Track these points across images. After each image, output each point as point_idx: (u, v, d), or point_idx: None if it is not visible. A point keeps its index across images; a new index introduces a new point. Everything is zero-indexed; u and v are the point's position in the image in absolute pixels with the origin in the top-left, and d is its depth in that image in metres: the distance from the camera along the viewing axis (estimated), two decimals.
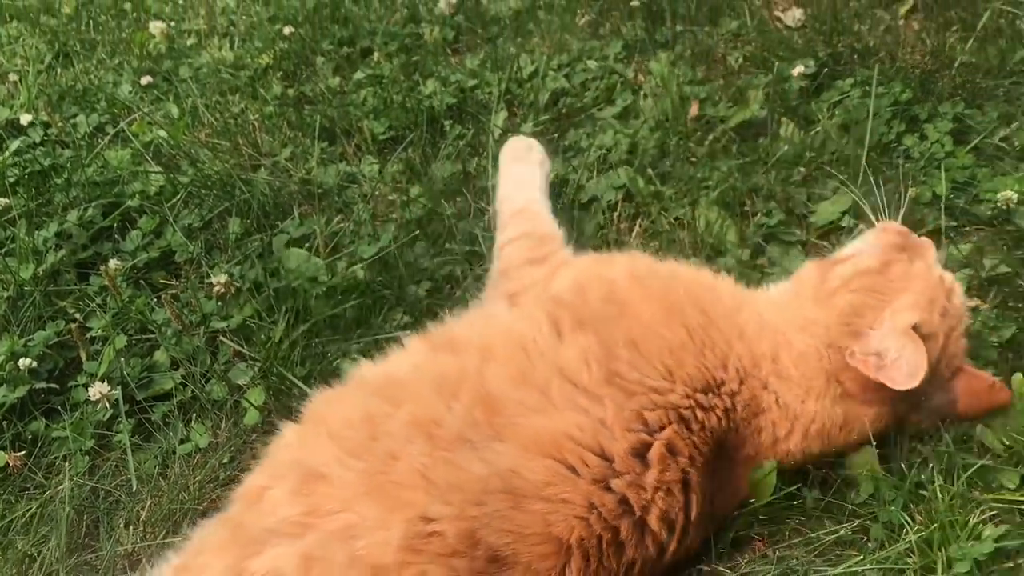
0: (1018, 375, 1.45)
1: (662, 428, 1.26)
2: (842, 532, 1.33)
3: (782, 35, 2.46)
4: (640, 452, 1.24)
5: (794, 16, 2.59)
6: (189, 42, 2.80)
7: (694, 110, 2.20)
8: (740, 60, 2.41)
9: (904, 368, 1.27)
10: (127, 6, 3.06)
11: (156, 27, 2.73)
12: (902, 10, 2.58)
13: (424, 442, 1.20)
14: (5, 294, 1.84)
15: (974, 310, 1.63)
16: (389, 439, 1.22)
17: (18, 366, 1.67)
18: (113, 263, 1.89)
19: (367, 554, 1.12)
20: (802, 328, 1.37)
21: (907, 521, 1.29)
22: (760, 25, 2.54)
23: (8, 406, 1.64)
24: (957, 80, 2.22)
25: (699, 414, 1.29)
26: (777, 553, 1.34)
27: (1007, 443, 1.39)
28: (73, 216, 2.02)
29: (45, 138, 2.38)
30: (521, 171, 1.84)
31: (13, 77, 2.71)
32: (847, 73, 2.24)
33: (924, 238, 1.50)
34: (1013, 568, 1.22)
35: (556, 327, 1.36)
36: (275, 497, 1.21)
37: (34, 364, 1.69)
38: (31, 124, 2.37)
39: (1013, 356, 1.55)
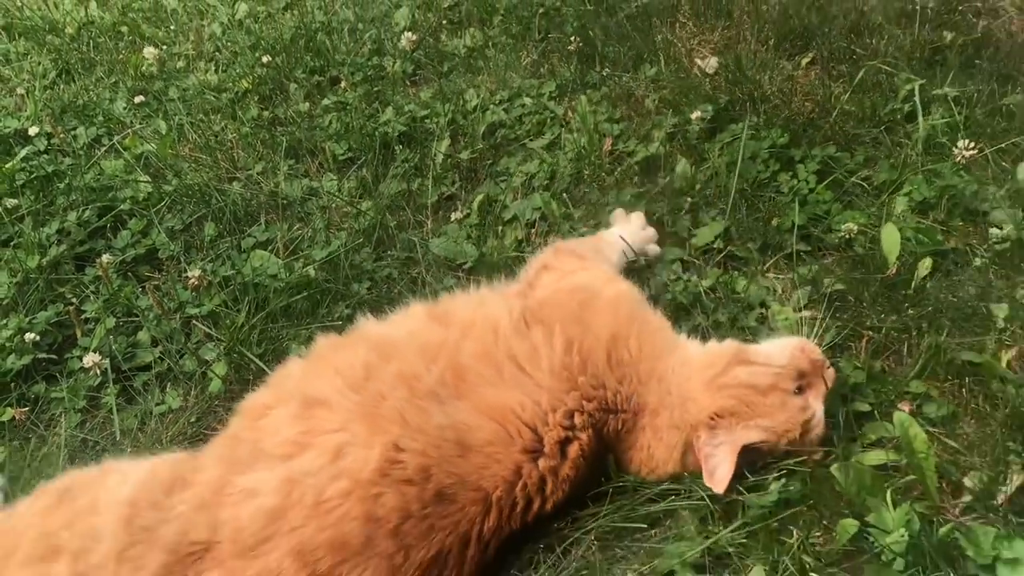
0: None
1: (582, 430, 1.61)
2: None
3: (693, 82, 2.84)
4: (563, 446, 1.59)
5: (711, 64, 2.97)
6: (178, 65, 3.16)
7: (608, 145, 2.57)
8: (656, 103, 2.78)
9: (715, 476, 1.57)
10: (124, 29, 3.41)
11: (149, 52, 3.10)
12: (803, 62, 2.97)
13: (405, 390, 1.54)
14: (13, 280, 2.18)
15: (810, 320, 2.01)
16: (380, 383, 1.55)
17: (24, 339, 2.03)
18: (106, 257, 2.24)
19: (350, 467, 1.44)
20: (687, 399, 1.66)
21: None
22: (678, 72, 2.92)
23: (15, 371, 1.99)
24: (836, 126, 2.60)
25: (604, 427, 1.64)
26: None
27: None
28: (72, 216, 2.38)
29: (49, 147, 2.73)
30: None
31: (20, 91, 3.06)
32: (740, 118, 2.62)
33: (831, 370, 1.75)
34: (794, 514, 1.59)
35: (524, 319, 1.69)
36: (278, 417, 1.54)
37: (37, 338, 2.04)
38: (37, 135, 2.72)
39: (834, 353, 1.92)
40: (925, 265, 2.07)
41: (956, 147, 2.34)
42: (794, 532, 1.55)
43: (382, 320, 1.78)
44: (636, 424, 1.68)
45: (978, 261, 2.13)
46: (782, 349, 1.73)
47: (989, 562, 1.53)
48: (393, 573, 1.42)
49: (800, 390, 1.69)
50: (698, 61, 3.00)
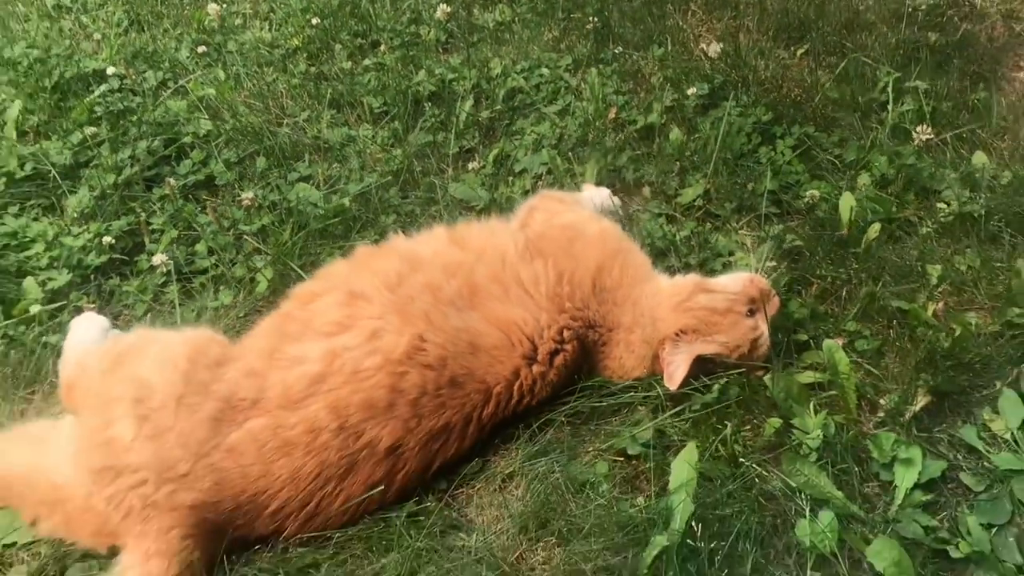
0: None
1: (569, 343, 1.96)
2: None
3: (695, 63, 3.17)
4: (553, 356, 1.94)
5: (715, 49, 3.29)
6: (237, 22, 3.52)
7: (612, 113, 2.91)
8: (660, 80, 3.11)
9: (672, 377, 1.91)
10: None
11: (212, 8, 3.46)
12: (798, 52, 3.29)
13: (430, 297, 1.88)
14: (93, 194, 2.55)
15: (773, 271, 2.34)
16: (409, 288, 1.89)
17: (102, 242, 2.40)
18: (170, 180, 2.60)
19: (384, 347, 1.79)
20: (657, 319, 2.00)
21: None
22: (683, 54, 3.25)
23: (94, 267, 2.36)
24: (817, 109, 2.92)
25: (586, 341, 1.99)
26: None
27: None
28: (142, 145, 2.74)
29: (122, 86, 3.09)
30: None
31: (97, 36, 3.43)
32: (733, 97, 2.95)
33: (776, 299, 2.07)
34: (730, 411, 1.93)
35: (528, 250, 2.04)
36: (325, 303, 1.88)
37: (112, 241, 2.41)
38: (113, 75, 3.08)
39: (788, 293, 2.25)
40: (875, 229, 2.39)
41: (915, 131, 2.66)
42: (728, 426, 1.89)
43: (410, 237, 2.13)
44: (612, 339, 2.03)
45: (924, 229, 2.45)
46: (736, 280, 2.07)
47: (888, 461, 1.87)
48: (406, 434, 1.78)
49: (751, 313, 2.03)
50: (703, 45, 3.32)
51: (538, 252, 2.04)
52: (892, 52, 3.13)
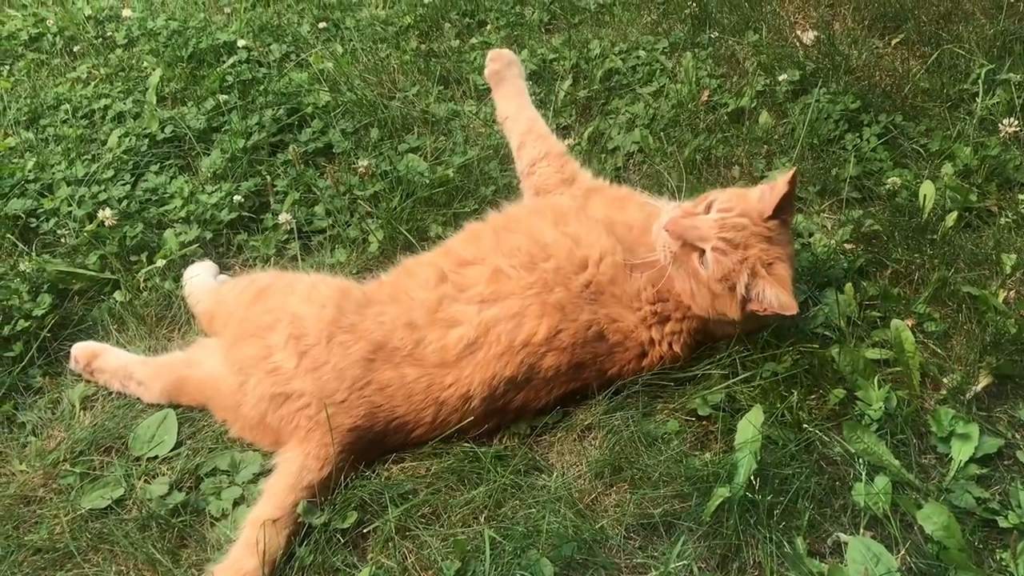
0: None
1: (674, 343, 2.10)
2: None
3: (788, 50, 3.26)
4: (661, 355, 2.11)
5: (810, 36, 3.39)
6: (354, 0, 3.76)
7: (705, 96, 3.04)
8: (754, 65, 3.23)
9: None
10: None
11: None
12: (893, 41, 3.35)
13: (563, 289, 2.05)
14: (225, 156, 2.82)
15: (852, 251, 2.46)
16: (544, 274, 2.07)
17: (232, 200, 2.67)
18: (293, 147, 2.86)
19: (527, 330, 2.00)
20: None
21: None
22: (778, 39, 3.35)
23: (225, 222, 2.63)
24: (907, 99, 3.00)
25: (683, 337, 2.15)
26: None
27: None
28: (268, 114, 3.00)
29: (249, 58, 3.36)
30: (511, 89, 2.57)
31: (227, 10, 3.72)
32: (823, 84, 3.04)
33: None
34: (797, 380, 2.08)
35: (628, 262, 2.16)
36: (476, 272, 2.09)
37: (241, 199, 2.67)
38: (243, 47, 3.36)
39: (858, 277, 2.38)
40: (952, 217, 2.49)
41: (1002, 124, 2.73)
42: (795, 393, 2.04)
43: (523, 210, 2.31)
44: None
45: (1003, 220, 2.53)
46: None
47: (946, 435, 2.00)
48: (536, 399, 2.05)
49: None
50: (798, 32, 3.41)
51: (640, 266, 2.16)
52: (988, 43, 3.17)
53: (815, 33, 3.37)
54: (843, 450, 1.97)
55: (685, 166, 2.74)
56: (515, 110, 2.55)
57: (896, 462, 1.94)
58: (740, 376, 2.09)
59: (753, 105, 2.98)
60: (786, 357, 2.12)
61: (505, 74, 2.62)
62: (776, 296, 1.95)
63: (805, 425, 2.00)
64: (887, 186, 2.63)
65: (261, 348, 2.01)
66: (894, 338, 2.14)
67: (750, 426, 1.93)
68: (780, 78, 3.02)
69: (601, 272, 2.10)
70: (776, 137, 2.85)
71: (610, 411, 2.07)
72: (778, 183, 2.04)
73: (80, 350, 2.24)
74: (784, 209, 2.04)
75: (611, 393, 2.11)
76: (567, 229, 2.17)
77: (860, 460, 1.94)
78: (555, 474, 1.96)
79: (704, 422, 2.06)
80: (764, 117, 2.90)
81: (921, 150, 2.81)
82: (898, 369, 2.13)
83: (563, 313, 2.04)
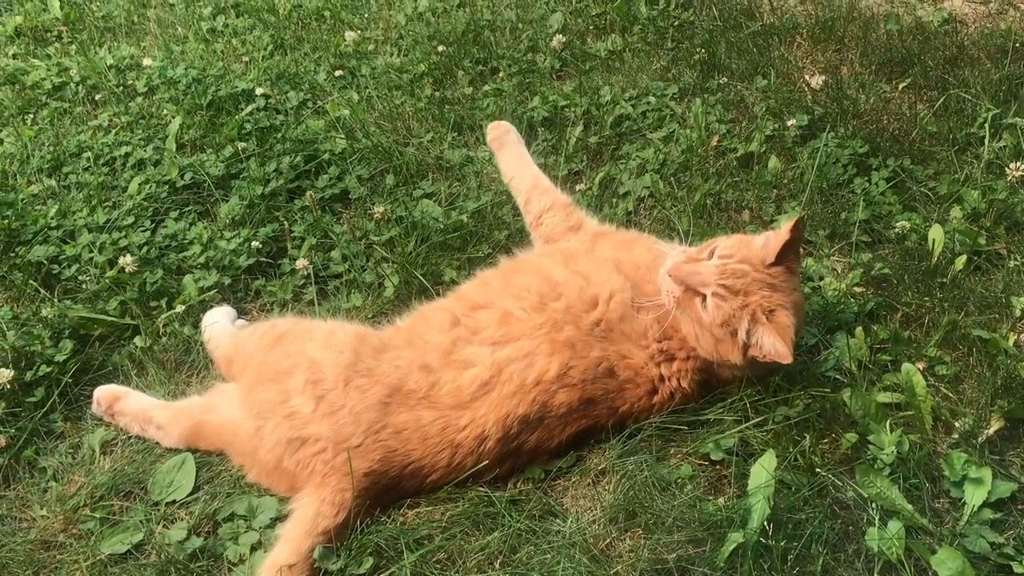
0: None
1: (683, 380, 2.14)
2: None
3: (797, 95, 3.31)
4: (671, 392, 2.14)
5: (818, 81, 3.44)
6: (370, 47, 3.83)
7: (715, 141, 3.09)
8: (763, 110, 3.27)
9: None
10: (326, 13, 4.12)
11: (349, 35, 3.79)
12: (900, 86, 3.39)
13: (573, 328, 2.09)
14: (243, 203, 2.88)
15: (862, 295, 2.49)
16: (553, 313, 2.11)
17: (250, 245, 2.72)
18: (310, 193, 2.91)
19: (539, 370, 2.04)
20: None
21: None
22: (786, 84, 3.40)
23: (243, 268, 2.68)
24: (915, 143, 3.04)
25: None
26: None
27: None
28: (286, 160, 3.06)
29: (267, 105, 3.43)
30: (512, 152, 2.70)
31: (245, 59, 3.80)
32: (832, 128, 3.09)
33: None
34: (810, 425, 2.09)
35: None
36: (487, 316, 2.14)
37: (259, 245, 2.72)
38: (260, 95, 3.43)
39: (868, 320, 2.40)
40: (961, 260, 2.51)
41: (1009, 168, 2.76)
42: (807, 437, 2.06)
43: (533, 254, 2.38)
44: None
45: (1012, 263, 2.55)
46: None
47: (959, 479, 2.01)
48: (550, 439, 2.08)
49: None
50: (806, 77, 3.46)
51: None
52: (994, 88, 3.21)
53: (823, 78, 3.41)
54: (856, 494, 1.98)
55: (695, 211, 2.78)
56: (518, 169, 2.65)
57: (909, 507, 1.95)
58: (752, 421, 2.10)
59: (762, 150, 3.03)
60: (798, 401, 2.14)
61: (504, 139, 2.74)
62: (773, 344, 1.98)
63: (818, 469, 2.02)
64: (896, 230, 2.66)
65: (279, 393, 2.05)
66: (905, 382, 2.16)
67: (763, 471, 1.95)
68: (789, 123, 3.06)
69: (611, 310, 2.14)
70: (785, 181, 2.89)
71: (624, 455, 2.09)
72: (781, 230, 2.08)
73: (103, 393, 2.29)
74: (788, 255, 2.06)
75: (624, 437, 2.13)
76: (577, 268, 2.21)
77: (873, 505, 1.95)
78: (569, 519, 1.97)
79: (717, 467, 2.08)
80: (773, 162, 2.94)
81: (930, 193, 2.84)
82: (910, 413, 2.14)
83: (573, 350, 2.07)
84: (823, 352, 2.32)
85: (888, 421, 2.10)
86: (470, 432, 2.02)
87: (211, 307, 2.53)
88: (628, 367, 2.11)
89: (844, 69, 3.48)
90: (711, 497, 2.02)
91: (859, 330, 2.32)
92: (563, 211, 2.49)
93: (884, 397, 2.18)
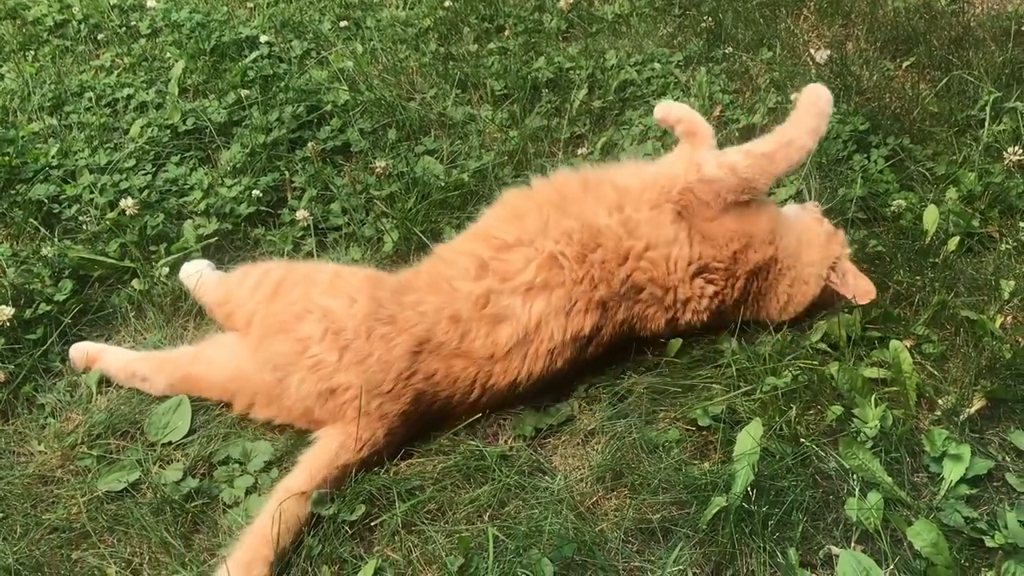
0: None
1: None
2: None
3: (801, 68, 3.32)
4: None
5: (823, 55, 3.44)
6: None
7: (718, 110, 3.10)
8: (767, 82, 3.28)
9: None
10: None
11: None
12: (904, 64, 3.41)
13: (606, 286, 2.14)
14: (245, 151, 2.88)
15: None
16: (591, 266, 2.12)
17: (251, 194, 2.72)
18: (311, 144, 2.92)
19: (575, 327, 2.10)
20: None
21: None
22: (791, 57, 3.40)
23: (243, 216, 2.69)
24: (916, 122, 3.06)
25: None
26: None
27: None
28: (288, 110, 3.06)
29: (271, 53, 3.41)
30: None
31: (250, 5, 3.78)
32: (834, 103, 3.08)
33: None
34: (796, 395, 2.14)
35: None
36: (521, 257, 2.13)
37: (260, 194, 2.73)
38: (264, 43, 3.41)
39: None
40: (954, 241, 2.54)
41: (1007, 152, 2.78)
42: (793, 408, 2.10)
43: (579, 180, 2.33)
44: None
45: (1003, 246, 2.59)
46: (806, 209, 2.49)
47: (938, 455, 2.05)
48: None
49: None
50: (811, 51, 3.46)
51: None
52: (997, 71, 3.23)
53: (828, 52, 3.42)
54: (838, 465, 2.02)
55: None
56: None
57: (889, 479, 2.00)
58: (741, 390, 2.14)
59: (765, 122, 3.04)
60: (786, 372, 2.18)
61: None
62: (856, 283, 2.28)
63: (802, 439, 2.06)
64: (892, 208, 2.69)
65: (294, 343, 2.05)
66: (893, 358, 2.20)
67: (749, 438, 1.99)
68: (792, 96, 3.07)
69: (640, 268, 2.18)
70: None
71: (614, 417, 2.13)
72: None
73: (77, 353, 2.29)
74: None
75: (615, 399, 2.17)
76: (624, 215, 2.22)
77: (854, 476, 2.00)
78: (558, 476, 2.02)
79: (704, 432, 2.12)
80: None
81: (927, 174, 2.86)
82: (895, 389, 2.18)
83: (605, 312, 2.16)
84: (814, 324, 2.36)
85: (873, 396, 2.15)
86: (504, 379, 2.09)
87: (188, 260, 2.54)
88: (650, 330, 2.22)
89: (849, 45, 3.48)
90: (697, 461, 2.06)
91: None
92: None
93: (871, 372, 2.22)
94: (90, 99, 3.15)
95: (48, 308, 2.36)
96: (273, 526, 1.83)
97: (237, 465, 2.08)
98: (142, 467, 2.05)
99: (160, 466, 2.07)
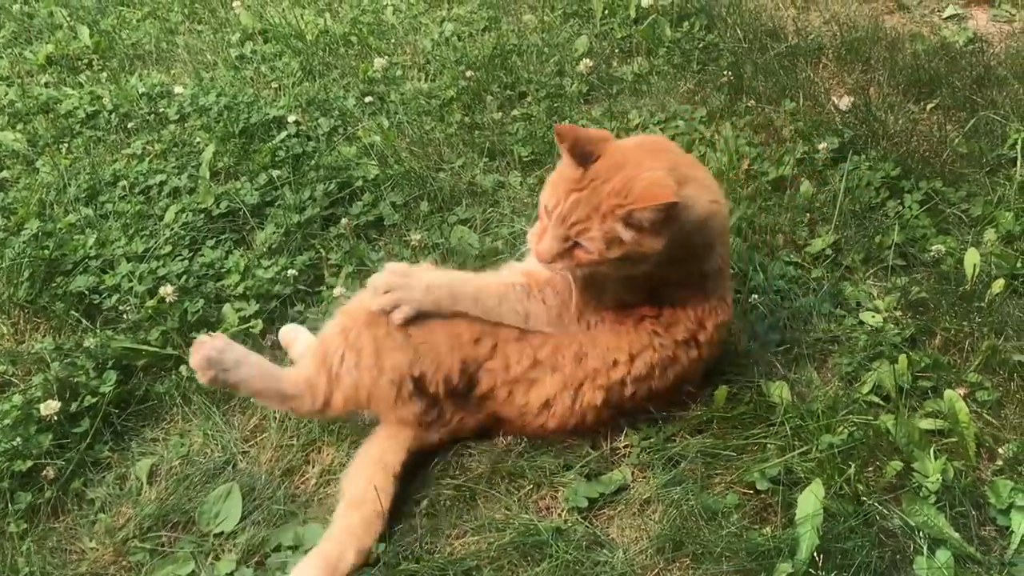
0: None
1: None
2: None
3: (825, 117, 3.33)
4: None
5: (845, 102, 3.45)
6: (398, 73, 3.86)
7: (745, 164, 3.10)
8: (791, 132, 3.28)
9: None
10: (353, 39, 4.15)
11: (378, 62, 3.82)
12: (928, 107, 3.41)
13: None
14: (280, 231, 2.91)
15: (901, 320, 2.49)
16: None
17: (287, 274, 2.74)
18: (345, 220, 2.94)
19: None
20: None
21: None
22: (814, 107, 3.41)
23: (282, 297, 2.70)
24: (945, 165, 3.05)
25: None
26: None
27: None
28: (320, 188, 3.09)
29: (298, 132, 3.45)
30: None
31: (275, 85, 3.84)
32: (863, 150, 3.10)
33: None
34: (854, 453, 2.10)
35: None
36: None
37: (296, 274, 2.74)
38: (292, 122, 3.46)
39: (909, 345, 2.41)
40: (998, 284, 2.51)
41: None
42: (852, 466, 2.06)
43: None
44: None
45: None
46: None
47: (1005, 507, 2.01)
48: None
49: None
50: (834, 99, 3.47)
51: None
52: (1023, 109, 3.22)
53: (851, 99, 3.43)
54: (902, 523, 1.98)
55: (730, 232, 2.79)
56: None
57: (956, 535, 1.95)
58: (797, 450, 2.11)
59: (794, 173, 3.04)
60: (841, 428, 2.14)
61: None
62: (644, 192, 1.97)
63: (863, 498, 2.02)
64: (932, 253, 2.67)
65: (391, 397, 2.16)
66: (948, 408, 2.16)
67: (811, 500, 1.95)
68: (820, 147, 3.07)
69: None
70: (818, 205, 2.90)
71: (669, 484, 2.10)
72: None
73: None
74: (583, 153, 2.02)
75: (669, 464, 2.14)
76: None
77: (920, 533, 1.95)
78: (617, 550, 1.98)
79: (762, 495, 2.08)
80: (805, 186, 2.96)
81: (963, 216, 2.85)
82: (953, 440, 2.14)
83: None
84: (863, 376, 2.32)
85: (932, 448, 2.11)
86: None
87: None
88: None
89: (872, 90, 3.49)
90: (757, 526, 2.02)
91: (903, 357, 2.32)
92: None
93: (927, 424, 2.19)
94: (124, 187, 3.19)
95: (93, 400, 2.36)
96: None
97: (290, 551, 2.06)
98: (195, 559, 2.04)
99: (214, 557, 2.06)
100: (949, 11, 4.10)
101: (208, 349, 2.14)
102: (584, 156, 2.02)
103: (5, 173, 3.34)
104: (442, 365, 2.13)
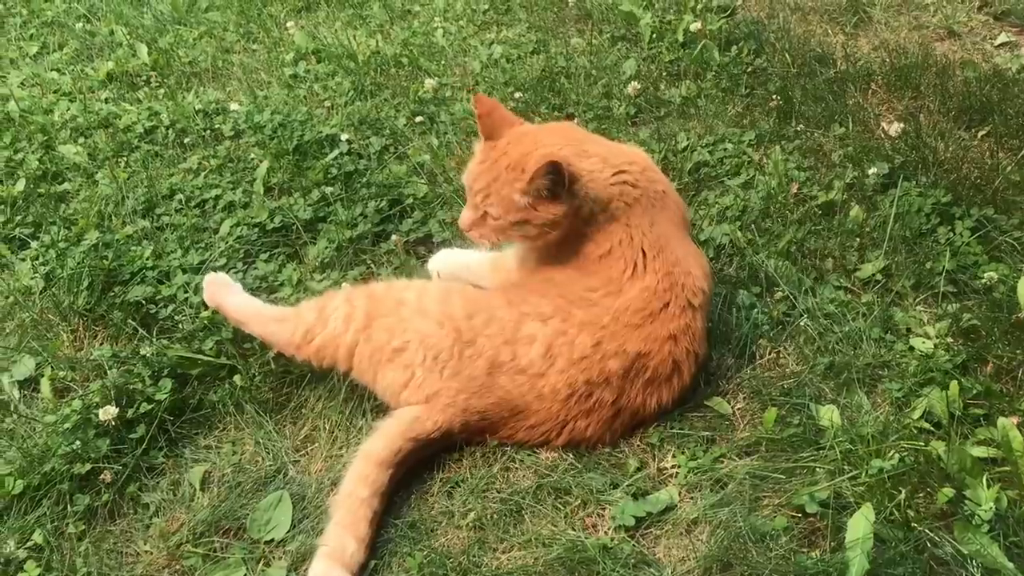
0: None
1: None
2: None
3: (875, 142, 3.32)
4: None
5: (895, 128, 3.44)
6: (447, 94, 3.92)
7: (794, 188, 3.10)
8: (841, 157, 3.28)
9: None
10: (404, 60, 4.22)
11: (429, 83, 3.88)
12: (979, 134, 3.39)
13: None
14: (332, 246, 2.96)
15: (952, 347, 2.47)
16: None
17: (340, 287, 2.78)
18: (395, 237, 2.99)
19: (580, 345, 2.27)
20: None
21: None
22: (864, 132, 3.41)
23: None
24: (997, 192, 3.02)
25: None
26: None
27: None
28: (371, 205, 3.14)
29: (350, 150, 3.52)
30: None
31: (327, 104, 3.91)
32: (913, 176, 3.08)
33: None
34: (905, 478, 2.09)
35: None
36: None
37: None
38: (344, 140, 3.52)
39: (960, 372, 2.39)
40: None
41: None
42: (903, 491, 2.05)
43: None
44: None
45: None
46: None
47: None
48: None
49: None
50: (883, 125, 3.46)
51: None
52: None
53: (900, 125, 3.41)
54: (955, 551, 1.96)
55: (780, 255, 2.80)
56: None
57: (1011, 565, 1.93)
58: (847, 475, 2.10)
59: (843, 198, 3.03)
60: (892, 453, 2.13)
61: None
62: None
63: (914, 524, 2.00)
64: (983, 280, 2.65)
65: (402, 375, 2.31)
66: (1001, 436, 2.14)
67: (861, 524, 1.94)
68: (870, 172, 3.07)
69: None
70: (868, 230, 2.89)
71: (716, 505, 2.10)
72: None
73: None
74: (491, 127, 2.45)
75: (717, 485, 2.14)
76: None
77: (973, 562, 1.93)
78: (665, 570, 1.99)
79: (811, 519, 2.07)
80: (855, 211, 2.95)
81: (1016, 243, 2.82)
82: (1006, 469, 2.12)
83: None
84: (913, 402, 2.31)
85: (985, 476, 2.08)
86: (549, 388, 2.26)
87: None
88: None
89: (922, 117, 3.48)
90: (806, 550, 2.01)
91: (954, 383, 2.30)
92: None
93: (980, 452, 2.16)
94: (180, 201, 3.27)
95: (149, 407, 2.41)
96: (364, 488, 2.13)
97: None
98: (246, 565, 2.07)
99: (265, 564, 2.09)
100: (1002, 38, 4.08)
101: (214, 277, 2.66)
102: (491, 130, 2.43)
103: (67, 185, 3.43)
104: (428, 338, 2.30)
